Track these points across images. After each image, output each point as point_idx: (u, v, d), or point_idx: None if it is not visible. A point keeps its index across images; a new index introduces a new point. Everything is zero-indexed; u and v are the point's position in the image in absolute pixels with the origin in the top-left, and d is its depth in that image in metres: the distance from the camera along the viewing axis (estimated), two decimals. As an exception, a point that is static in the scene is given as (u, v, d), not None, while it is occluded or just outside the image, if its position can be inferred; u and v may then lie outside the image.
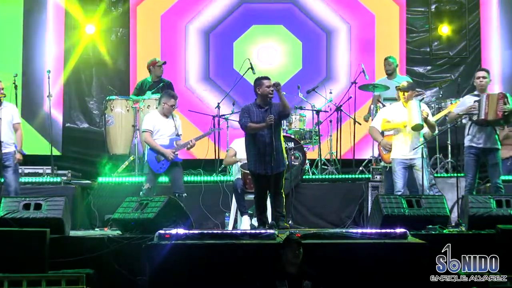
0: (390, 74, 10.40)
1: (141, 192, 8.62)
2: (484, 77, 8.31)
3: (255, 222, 8.26)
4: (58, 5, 11.78)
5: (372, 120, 9.93)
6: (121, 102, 10.14)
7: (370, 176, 9.57)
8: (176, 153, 8.66)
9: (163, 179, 9.10)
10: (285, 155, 8.07)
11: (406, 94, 8.31)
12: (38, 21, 11.68)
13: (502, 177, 8.53)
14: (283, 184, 7.98)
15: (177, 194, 8.37)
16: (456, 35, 12.15)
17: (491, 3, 11.93)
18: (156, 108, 9.23)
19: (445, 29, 12.08)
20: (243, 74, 10.10)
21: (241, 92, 10.74)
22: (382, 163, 8.96)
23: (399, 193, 8.09)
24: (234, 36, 12.05)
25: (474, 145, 8.26)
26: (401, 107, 8.37)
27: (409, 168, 8.31)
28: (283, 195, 7.98)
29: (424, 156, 8.26)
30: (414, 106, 8.17)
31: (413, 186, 8.36)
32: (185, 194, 8.58)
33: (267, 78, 7.98)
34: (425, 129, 8.37)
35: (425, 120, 8.21)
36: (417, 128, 8.15)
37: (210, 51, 11.99)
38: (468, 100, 8.37)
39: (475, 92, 8.42)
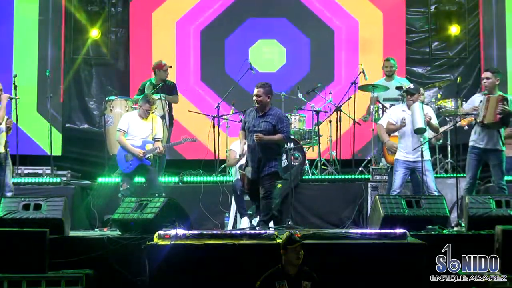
0: (390, 75, 10.37)
1: (119, 194, 8.64)
2: (487, 78, 8.17)
3: (254, 223, 8.26)
4: (58, 5, 11.77)
5: (372, 120, 9.94)
6: (120, 102, 10.14)
7: (369, 176, 9.55)
8: (147, 156, 8.70)
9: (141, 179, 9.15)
10: (272, 161, 7.91)
11: (413, 96, 8.28)
12: (38, 21, 11.67)
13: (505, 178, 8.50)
14: (269, 189, 7.87)
15: (157, 195, 8.34)
16: (456, 35, 12.14)
17: (491, 3, 11.91)
18: (156, 107, 9.28)
19: (454, 30, 12.05)
20: (243, 75, 10.09)
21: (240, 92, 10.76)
22: (383, 162, 8.93)
23: (395, 192, 8.09)
24: (227, 32, 12.01)
25: (476, 145, 8.21)
26: (406, 108, 8.35)
27: (411, 171, 8.31)
28: (269, 200, 7.87)
29: (428, 158, 8.24)
30: (416, 109, 8.12)
31: (419, 187, 8.32)
32: (164, 194, 8.49)
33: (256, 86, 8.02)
34: (430, 133, 8.39)
35: (428, 123, 8.19)
36: (419, 131, 8.13)
37: (206, 50, 11.96)
38: (476, 99, 8.30)
39: (484, 91, 8.37)
